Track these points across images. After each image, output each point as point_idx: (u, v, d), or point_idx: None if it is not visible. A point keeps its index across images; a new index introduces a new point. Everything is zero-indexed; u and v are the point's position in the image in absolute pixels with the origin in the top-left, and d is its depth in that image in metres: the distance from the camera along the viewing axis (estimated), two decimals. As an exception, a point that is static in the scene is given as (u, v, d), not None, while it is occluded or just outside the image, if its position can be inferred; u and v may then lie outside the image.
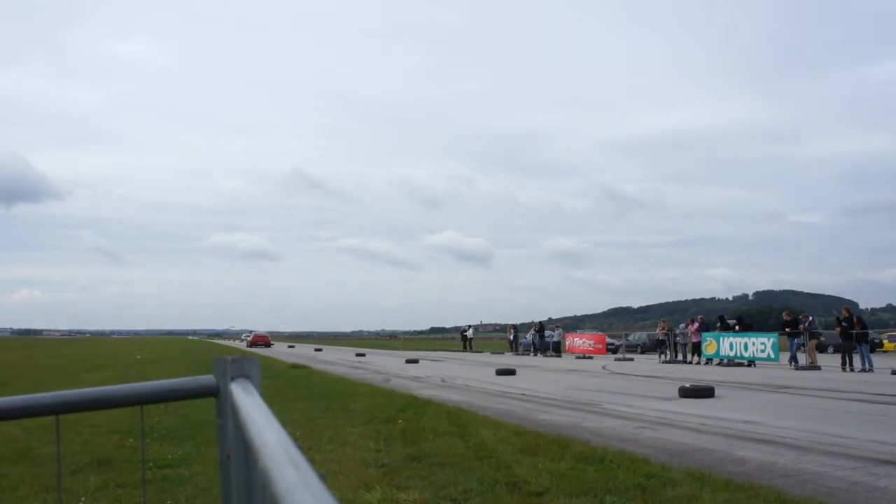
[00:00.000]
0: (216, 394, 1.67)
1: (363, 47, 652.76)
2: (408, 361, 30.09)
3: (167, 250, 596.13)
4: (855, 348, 22.13)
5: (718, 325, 27.93)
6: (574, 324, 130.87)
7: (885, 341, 40.99)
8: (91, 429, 8.52)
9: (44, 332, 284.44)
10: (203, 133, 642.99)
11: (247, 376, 1.63)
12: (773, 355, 23.97)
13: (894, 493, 5.57)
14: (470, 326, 51.63)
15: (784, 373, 20.53)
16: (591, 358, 33.00)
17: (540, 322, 41.00)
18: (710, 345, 26.68)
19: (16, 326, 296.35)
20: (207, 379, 1.69)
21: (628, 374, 20.98)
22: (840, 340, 23.32)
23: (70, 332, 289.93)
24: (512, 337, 44.47)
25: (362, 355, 39.51)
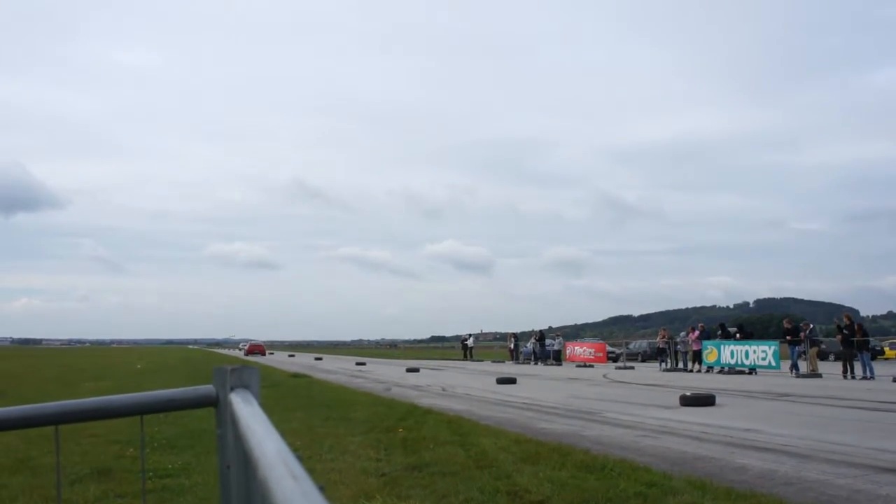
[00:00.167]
0: (216, 404, 1.68)
1: (363, 55, 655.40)
2: (408, 370, 30.04)
3: (167, 259, 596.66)
4: (856, 356, 22.09)
5: (719, 332, 27.91)
6: (574, 332, 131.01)
7: (887, 349, 40.98)
8: (91, 439, 8.51)
9: (43, 342, 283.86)
10: (203, 142, 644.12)
11: (246, 386, 1.64)
12: (774, 363, 23.93)
13: (896, 501, 5.56)
14: (470, 335, 51.57)
15: (785, 381, 20.49)
16: (591, 366, 32.96)
17: (540, 331, 41.00)
18: (710, 353, 26.65)
19: (15, 336, 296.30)
20: (207, 389, 1.70)
21: (629, 383, 20.94)
22: (841, 348, 23.27)
23: (70, 342, 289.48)
24: (512, 346, 44.44)
25: (363, 364, 39.48)
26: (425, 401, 14.69)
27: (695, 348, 27.61)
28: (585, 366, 33.52)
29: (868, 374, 21.09)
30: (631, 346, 46.35)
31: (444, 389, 18.76)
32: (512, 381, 20.40)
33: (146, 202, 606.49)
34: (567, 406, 13.47)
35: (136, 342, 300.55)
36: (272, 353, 78.17)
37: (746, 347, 25.23)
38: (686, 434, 9.35)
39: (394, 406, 13.17)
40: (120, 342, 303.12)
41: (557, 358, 37.37)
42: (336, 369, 34.34)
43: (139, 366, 36.02)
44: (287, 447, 1.10)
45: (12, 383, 20.59)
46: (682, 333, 29.95)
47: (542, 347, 38.72)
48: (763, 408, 12.89)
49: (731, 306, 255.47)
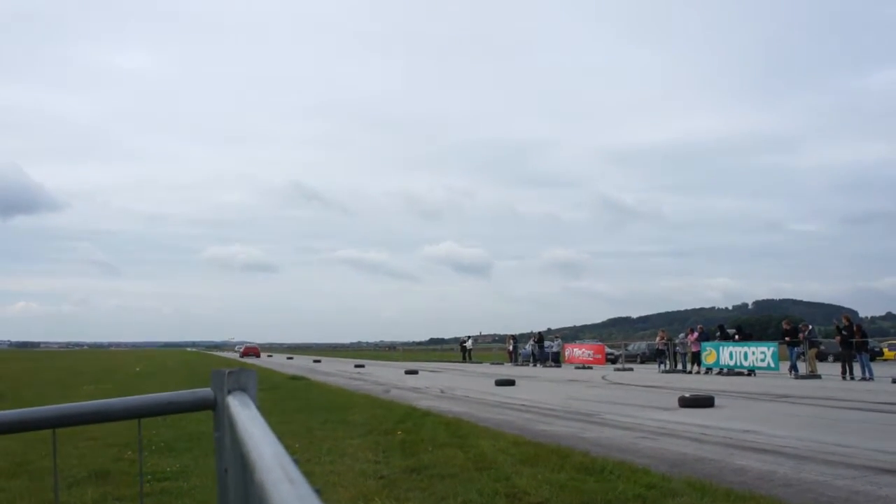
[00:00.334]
0: (214, 407, 1.68)
1: (361, 56, 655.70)
2: (407, 372, 30.05)
3: (165, 262, 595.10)
4: (855, 357, 22.11)
5: (718, 334, 27.91)
6: (573, 334, 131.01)
7: (885, 350, 41.00)
8: (89, 442, 8.50)
9: (41, 345, 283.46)
10: (201, 145, 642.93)
11: (244, 389, 1.64)
12: (772, 364, 23.94)
13: (895, 502, 5.56)
14: (469, 337, 51.65)
15: (784, 382, 20.51)
16: (590, 368, 32.97)
17: (539, 332, 41.03)
18: (709, 354, 26.66)
19: (13, 339, 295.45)
20: (205, 392, 1.70)
21: (628, 385, 20.95)
22: (840, 349, 23.30)
23: (68, 345, 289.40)
24: (511, 347, 44.42)
25: (361, 367, 39.46)
26: (424, 403, 14.69)
27: (694, 350, 27.62)
28: (584, 367, 33.52)
29: (867, 375, 21.10)
30: (630, 347, 46.35)
31: (442, 391, 18.76)
32: (511, 382, 20.41)
33: (144, 205, 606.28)
34: (566, 408, 13.47)
35: (134, 345, 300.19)
36: (270, 356, 78.27)
37: (745, 349, 25.24)
38: (685, 436, 9.35)
39: (392, 408, 13.17)
40: (118, 345, 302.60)
41: (556, 360, 37.37)
42: (335, 372, 34.33)
43: (138, 368, 36.00)
44: (284, 450, 1.10)
45: (10, 386, 20.56)
46: (681, 335, 29.94)
47: (541, 349, 38.73)
48: (762, 409, 12.90)
49: (730, 308, 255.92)
